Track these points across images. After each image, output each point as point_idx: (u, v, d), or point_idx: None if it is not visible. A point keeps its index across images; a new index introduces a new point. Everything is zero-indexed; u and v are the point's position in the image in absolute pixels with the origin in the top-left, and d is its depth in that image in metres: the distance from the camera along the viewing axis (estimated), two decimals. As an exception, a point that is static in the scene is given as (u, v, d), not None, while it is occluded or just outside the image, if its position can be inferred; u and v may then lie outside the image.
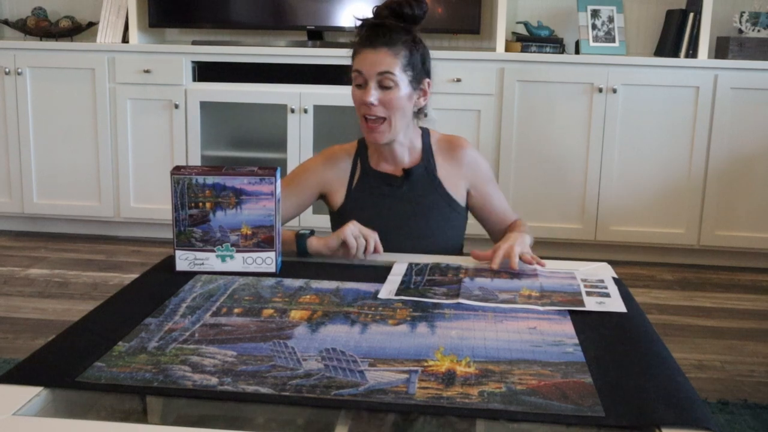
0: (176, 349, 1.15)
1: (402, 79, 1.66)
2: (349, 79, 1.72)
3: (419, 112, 1.79)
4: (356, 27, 1.71)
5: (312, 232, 1.68)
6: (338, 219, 1.81)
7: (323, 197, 1.86)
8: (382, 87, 1.66)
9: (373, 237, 1.62)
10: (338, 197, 1.82)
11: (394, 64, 1.65)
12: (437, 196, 1.79)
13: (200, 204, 1.50)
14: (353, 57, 1.70)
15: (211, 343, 1.18)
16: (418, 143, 1.80)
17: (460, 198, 1.81)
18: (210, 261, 1.51)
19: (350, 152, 1.83)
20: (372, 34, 1.67)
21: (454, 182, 1.80)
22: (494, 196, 1.84)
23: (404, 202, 1.78)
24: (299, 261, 1.63)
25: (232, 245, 1.51)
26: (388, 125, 1.69)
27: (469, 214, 1.87)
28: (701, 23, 3.48)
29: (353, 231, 1.60)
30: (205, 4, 3.85)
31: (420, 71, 1.70)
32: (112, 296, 1.42)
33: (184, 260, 1.52)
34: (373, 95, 1.65)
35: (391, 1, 1.69)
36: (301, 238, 1.66)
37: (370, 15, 1.72)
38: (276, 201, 1.51)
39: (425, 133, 1.83)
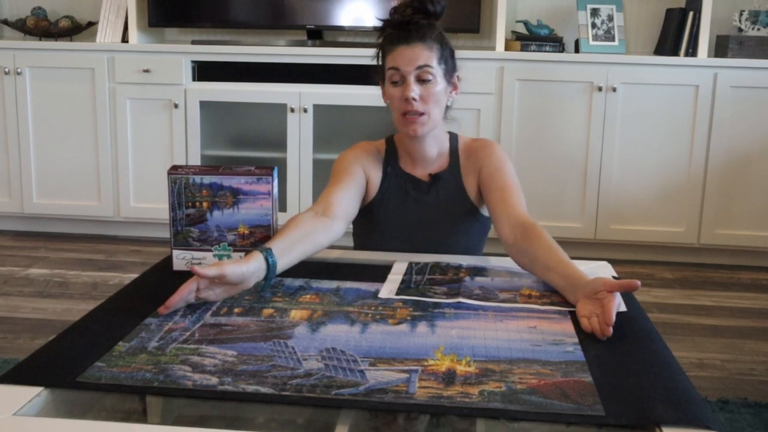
0: (176, 349, 1.15)
1: (438, 73, 1.66)
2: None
3: (446, 111, 1.76)
4: (380, 27, 1.71)
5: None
6: (366, 214, 1.78)
7: None
8: (421, 81, 1.65)
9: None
10: (371, 190, 1.78)
11: (431, 57, 1.65)
12: (461, 205, 1.76)
13: (197, 203, 1.50)
14: (384, 56, 1.69)
15: (211, 343, 1.18)
16: (446, 147, 1.78)
17: (476, 198, 1.77)
18: (207, 260, 1.51)
19: (381, 149, 1.81)
20: (403, 30, 1.67)
21: (471, 184, 1.76)
22: (498, 183, 1.70)
23: (429, 208, 1.76)
24: (299, 261, 1.63)
25: (230, 245, 1.51)
26: (428, 117, 1.67)
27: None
28: (701, 22, 3.48)
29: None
30: (204, 3, 3.85)
31: (451, 65, 1.71)
32: (112, 296, 1.41)
33: (181, 260, 1.51)
34: (414, 90, 1.64)
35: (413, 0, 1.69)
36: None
37: (388, 16, 1.71)
38: (273, 200, 1.51)
39: (453, 138, 1.80)
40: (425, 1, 1.68)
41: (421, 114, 1.66)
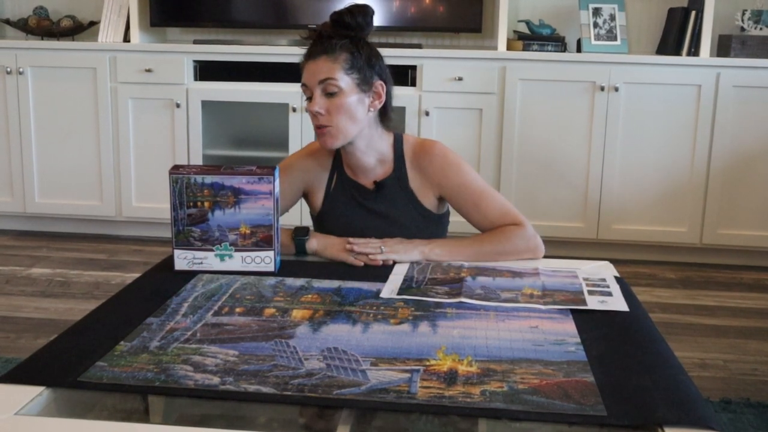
0: (178, 349, 1.15)
1: (346, 83, 1.62)
2: None
3: (385, 118, 1.72)
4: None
5: (308, 232, 1.67)
6: (319, 223, 1.80)
7: (305, 196, 1.83)
8: (327, 94, 1.62)
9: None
10: (318, 200, 1.79)
11: (335, 69, 1.61)
12: (410, 209, 1.74)
13: (199, 203, 1.50)
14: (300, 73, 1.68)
15: (212, 343, 1.18)
16: (389, 152, 1.74)
17: (433, 206, 1.75)
18: (209, 260, 1.51)
19: (330, 153, 1.79)
20: (312, 46, 1.66)
21: (425, 192, 1.74)
22: (468, 197, 1.72)
23: (377, 215, 1.74)
24: (300, 260, 1.63)
25: (231, 244, 1.51)
26: (337, 130, 1.63)
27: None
28: (703, 21, 3.47)
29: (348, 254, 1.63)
30: (206, 3, 3.85)
31: (368, 73, 1.66)
32: (113, 296, 1.42)
33: (182, 259, 1.51)
34: (318, 104, 1.62)
35: (332, 13, 1.68)
36: (299, 243, 1.65)
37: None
38: (275, 200, 1.51)
39: (398, 140, 1.76)
40: (342, 14, 1.66)
41: (330, 127, 1.63)
